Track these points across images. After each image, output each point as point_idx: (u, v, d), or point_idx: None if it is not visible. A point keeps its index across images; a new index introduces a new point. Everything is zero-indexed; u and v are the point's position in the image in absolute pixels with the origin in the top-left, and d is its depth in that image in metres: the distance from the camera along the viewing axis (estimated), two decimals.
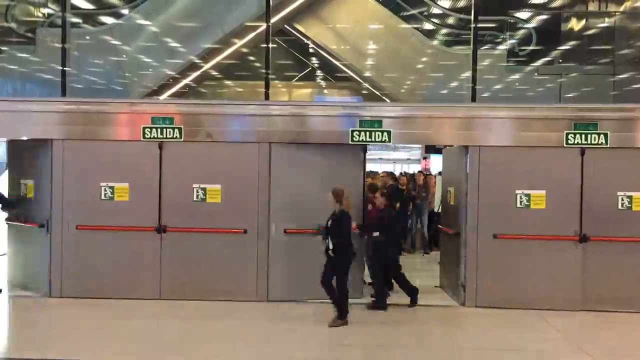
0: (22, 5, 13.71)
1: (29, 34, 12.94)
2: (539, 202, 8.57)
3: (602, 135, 8.46)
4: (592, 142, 8.48)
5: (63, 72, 9.47)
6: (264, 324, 7.65)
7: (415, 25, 15.70)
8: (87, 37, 13.16)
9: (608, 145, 8.47)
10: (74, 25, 11.36)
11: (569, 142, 8.51)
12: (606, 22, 14.04)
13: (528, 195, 8.59)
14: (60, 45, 9.65)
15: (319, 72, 18.34)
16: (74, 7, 11.55)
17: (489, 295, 8.58)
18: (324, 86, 18.88)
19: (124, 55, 13.51)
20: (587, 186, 8.47)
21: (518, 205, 8.59)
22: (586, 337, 7.36)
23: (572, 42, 14.28)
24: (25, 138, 9.16)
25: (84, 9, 13.93)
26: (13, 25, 13.08)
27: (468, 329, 7.65)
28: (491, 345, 6.96)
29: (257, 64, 14.26)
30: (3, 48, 12.60)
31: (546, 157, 8.59)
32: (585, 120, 8.53)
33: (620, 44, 12.94)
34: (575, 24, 14.42)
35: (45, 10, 13.79)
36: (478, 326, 7.83)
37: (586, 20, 14.26)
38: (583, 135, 8.49)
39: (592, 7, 14.98)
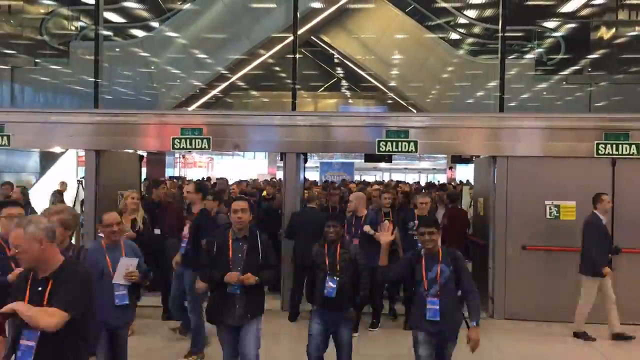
0: (56, 19, 14.08)
1: (62, 47, 13.27)
2: (569, 214, 8.45)
3: (633, 146, 8.33)
4: (624, 152, 8.35)
5: (96, 84, 9.68)
6: None
7: (441, 35, 15.69)
8: (118, 50, 13.45)
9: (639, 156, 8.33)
10: (105, 38, 11.62)
11: (600, 152, 8.39)
12: (636, 31, 13.84)
13: (558, 206, 8.48)
14: (92, 58, 9.88)
15: (344, 82, 18.41)
16: (106, 20, 11.82)
17: (519, 307, 8.48)
18: (349, 96, 18.94)
19: (153, 67, 13.77)
20: (619, 197, 8.32)
21: (547, 216, 8.49)
22: (618, 350, 7.22)
23: (602, 51, 14.09)
24: (57, 150, 9.37)
25: (116, 23, 14.24)
26: (46, 38, 13.43)
27: (498, 341, 7.56)
28: (522, 357, 6.87)
29: (283, 75, 14.38)
30: (37, 60, 12.94)
31: (577, 167, 8.47)
32: (616, 130, 8.41)
33: None
34: (605, 33, 14.24)
35: (78, 24, 14.14)
36: (508, 338, 7.72)
37: (616, 29, 14.07)
38: (614, 146, 8.37)
39: (622, 15, 14.78)
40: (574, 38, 14.29)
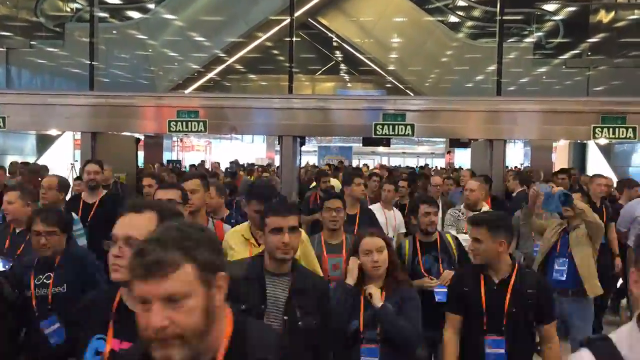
0: (51, 0, 13.96)
1: (58, 29, 13.17)
2: None
3: (630, 129, 8.33)
4: (620, 135, 8.35)
5: (91, 67, 9.63)
6: None
7: (440, 18, 15.57)
8: (114, 32, 13.35)
9: (636, 139, 8.33)
10: (101, 20, 11.53)
11: (597, 135, 8.39)
12: (636, 15, 13.75)
13: None
14: (88, 40, 9.81)
15: (342, 66, 18.33)
16: (101, 1, 11.70)
17: None
18: (347, 80, 18.87)
19: (150, 50, 13.69)
20: None
21: None
22: None
23: (601, 35, 14.01)
24: (54, 132, 9.35)
25: (111, 4, 14.12)
26: (42, 19, 13.32)
27: None
28: None
29: (281, 58, 14.31)
30: (32, 42, 12.85)
31: None
32: (613, 113, 8.40)
33: None
34: (604, 16, 14.14)
35: (74, 5, 14.02)
36: None
37: (615, 12, 13.97)
38: (611, 129, 8.36)
39: None
40: (573, 21, 14.20)
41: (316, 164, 19.41)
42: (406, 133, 8.71)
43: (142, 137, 12.25)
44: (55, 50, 12.63)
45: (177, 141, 21.10)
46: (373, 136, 8.77)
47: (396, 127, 8.63)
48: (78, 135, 11.09)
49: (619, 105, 8.47)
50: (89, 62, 9.69)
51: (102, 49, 10.83)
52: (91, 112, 9.00)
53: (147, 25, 13.69)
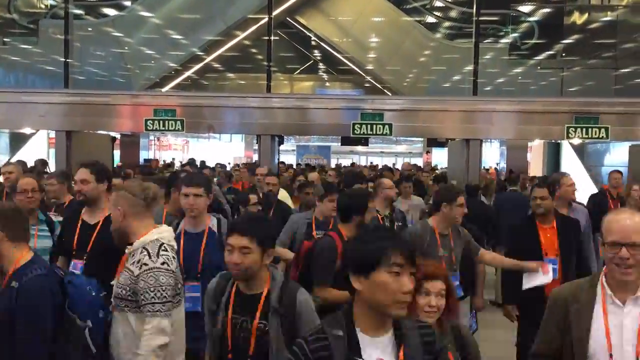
0: None
1: (32, 26, 12.95)
2: None
3: (602, 129, 8.49)
4: (593, 135, 8.50)
5: (66, 64, 9.50)
6: None
7: (418, 18, 15.67)
8: (90, 29, 13.17)
9: (609, 139, 8.50)
10: (76, 17, 11.36)
11: (570, 135, 8.54)
12: (609, 16, 14.01)
13: None
14: (62, 37, 9.68)
15: (320, 65, 18.34)
16: None
17: None
18: (325, 79, 18.88)
19: (126, 47, 13.53)
20: None
21: None
22: None
23: (575, 36, 14.25)
24: (28, 130, 9.21)
25: (87, 1, 13.93)
26: (15, 16, 13.09)
27: None
28: None
29: (259, 56, 14.27)
30: (6, 39, 12.62)
31: None
32: (586, 114, 8.55)
33: (623, 38, 12.91)
34: (578, 18, 14.38)
35: (48, 2, 13.80)
36: None
37: (589, 14, 14.22)
38: (584, 129, 8.51)
39: (595, 0, 14.95)
40: (547, 23, 14.41)
41: (297, 163, 19.40)
42: (384, 132, 8.76)
43: (118, 136, 12.11)
44: (29, 47, 12.42)
45: (154, 140, 20.90)
46: (351, 135, 8.81)
47: (374, 126, 8.68)
48: (53, 134, 10.94)
49: (592, 106, 8.64)
50: (64, 60, 9.56)
51: (77, 47, 10.68)
52: (66, 110, 8.88)
53: (123, 23, 13.53)
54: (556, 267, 4.14)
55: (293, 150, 24.36)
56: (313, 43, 16.62)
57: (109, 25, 13.35)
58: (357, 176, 5.96)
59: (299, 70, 17.79)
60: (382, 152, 32.04)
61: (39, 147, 13.04)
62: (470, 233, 4.21)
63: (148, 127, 8.79)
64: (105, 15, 14.16)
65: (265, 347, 2.36)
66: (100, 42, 12.98)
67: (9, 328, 2.45)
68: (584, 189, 10.44)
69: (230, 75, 16.84)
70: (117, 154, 12.39)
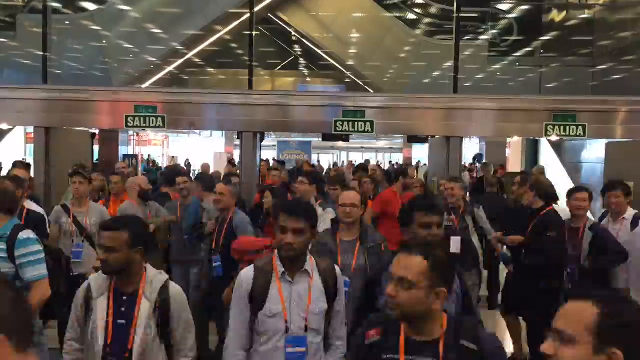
0: None
1: (9, 19, 12.73)
2: None
3: (580, 127, 8.63)
4: (571, 133, 8.64)
5: (44, 59, 9.36)
6: None
7: (398, 15, 15.74)
8: (67, 23, 12.98)
9: (586, 137, 8.65)
10: (54, 11, 11.19)
11: (548, 133, 8.67)
12: (586, 14, 14.21)
13: None
14: (40, 31, 9.53)
15: (302, 61, 18.32)
16: None
17: None
18: (307, 75, 18.87)
19: (105, 42, 13.37)
20: None
21: None
22: None
23: (553, 33, 14.43)
24: (4, 126, 9.07)
25: None
26: None
27: None
28: None
29: (240, 52, 14.21)
30: None
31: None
32: (564, 111, 8.69)
33: (600, 36, 13.11)
34: (556, 15, 14.57)
35: None
36: None
37: (567, 12, 14.41)
38: (562, 127, 8.65)
39: None
40: (526, 20, 14.58)
41: (275, 159, 19.37)
42: (366, 130, 8.80)
43: (97, 132, 11.98)
44: (6, 41, 12.20)
45: (134, 135, 20.71)
46: (333, 132, 8.84)
47: (356, 123, 8.72)
48: (30, 129, 10.78)
49: (570, 104, 8.77)
50: (42, 54, 9.42)
51: (55, 41, 10.53)
52: (45, 106, 8.76)
53: (102, 17, 13.36)
54: None
55: (274, 145, 24.33)
56: (294, 39, 16.60)
57: (88, 19, 13.18)
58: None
59: (280, 66, 17.76)
60: (362, 147, 32.16)
61: (16, 143, 12.84)
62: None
63: (129, 124, 8.72)
64: (84, 9, 13.97)
65: None
66: (79, 37, 12.81)
67: None
68: (562, 185, 10.62)
69: (211, 70, 16.74)
70: (96, 149, 12.25)
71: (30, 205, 4.92)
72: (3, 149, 12.21)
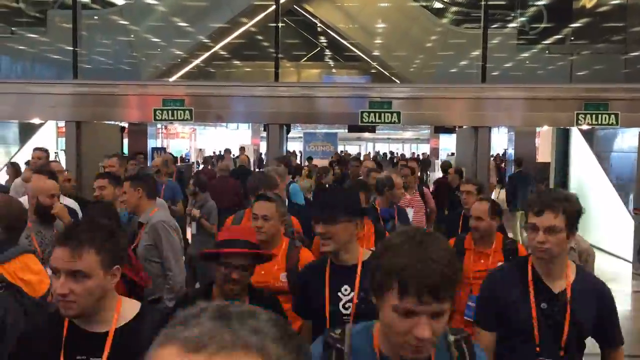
0: None
1: (39, 15, 12.95)
2: None
3: (612, 116, 8.45)
4: (603, 122, 8.47)
5: (74, 54, 9.51)
6: None
7: (425, 4, 15.56)
8: (96, 18, 13.17)
9: (618, 126, 8.47)
10: (84, 6, 11.36)
11: (579, 122, 8.51)
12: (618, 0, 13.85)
13: None
14: (70, 26, 9.68)
15: (327, 52, 18.27)
16: None
17: None
18: (332, 66, 18.83)
19: (133, 36, 13.53)
20: None
21: None
22: None
23: (584, 20, 14.11)
24: (37, 121, 9.26)
25: None
26: (23, 5, 13.09)
27: None
28: None
29: (266, 44, 14.24)
30: (13, 29, 12.62)
31: None
32: (595, 100, 8.51)
33: (633, 22, 12.78)
34: (587, 1, 14.23)
35: None
36: None
37: None
38: (593, 116, 8.48)
39: None
40: (556, 7, 14.27)
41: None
42: (392, 121, 8.76)
43: (126, 125, 12.16)
44: (37, 36, 12.44)
45: (162, 128, 20.96)
46: (360, 124, 8.82)
47: (382, 114, 8.68)
48: (61, 123, 10.99)
49: (602, 92, 8.59)
50: (72, 49, 9.57)
51: (85, 36, 10.69)
52: (75, 101, 8.92)
53: (130, 11, 13.51)
54: None
55: (300, 137, 24.37)
56: (319, 30, 16.56)
57: (117, 14, 13.34)
58: None
59: (305, 58, 17.74)
60: (389, 138, 32.02)
61: (48, 137, 13.11)
62: None
63: (157, 117, 8.83)
64: (113, 4, 14.15)
65: None
66: (108, 31, 12.98)
67: None
68: (593, 175, 10.44)
69: (237, 63, 16.81)
70: (125, 142, 12.44)
71: (64, 200, 4.45)
72: (35, 143, 12.49)
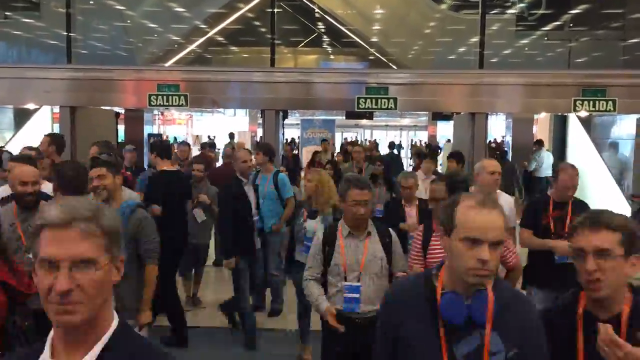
0: None
1: (33, 0, 12.82)
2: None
3: (610, 102, 8.41)
4: (600, 108, 8.43)
5: (68, 38, 9.43)
6: None
7: None
8: (91, 3, 13.03)
9: (616, 112, 8.43)
10: None
11: (577, 108, 8.47)
12: None
13: None
14: (64, 11, 9.59)
15: (325, 38, 18.15)
16: None
17: None
18: (330, 52, 18.71)
19: (129, 21, 13.41)
20: None
21: None
22: None
23: (583, 6, 14.02)
24: (31, 106, 9.19)
25: None
26: None
27: None
28: None
29: (263, 29, 14.13)
30: (7, 13, 12.49)
31: None
32: (593, 86, 8.47)
33: (632, 8, 12.69)
34: None
35: None
36: None
37: None
38: (591, 102, 8.44)
39: None
40: None
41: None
42: (389, 107, 8.71)
43: (122, 111, 12.09)
44: (32, 21, 12.32)
45: (158, 115, 20.85)
46: (356, 110, 8.77)
47: (379, 100, 8.63)
48: (56, 109, 10.91)
49: (600, 78, 8.54)
50: (66, 34, 9.48)
51: (80, 20, 10.59)
52: (70, 85, 8.85)
53: None
54: None
55: (297, 124, 24.28)
56: (317, 15, 16.43)
57: None
58: None
59: (303, 43, 17.62)
60: (387, 125, 31.93)
61: (43, 123, 13.04)
62: None
63: (152, 103, 8.76)
64: None
65: None
66: (103, 16, 12.86)
67: None
68: (591, 163, 10.43)
69: (234, 48, 16.70)
70: (121, 128, 12.37)
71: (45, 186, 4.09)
72: (30, 128, 12.42)
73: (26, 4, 13.00)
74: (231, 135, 17.29)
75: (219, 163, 10.56)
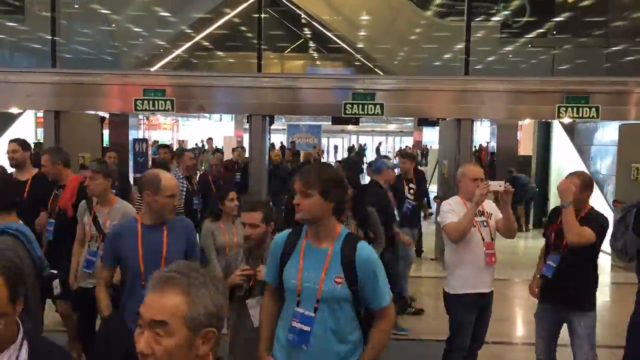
0: None
1: (17, 2, 12.70)
2: None
3: (593, 109, 8.51)
4: (584, 115, 8.53)
5: (53, 42, 9.34)
6: None
7: None
8: (76, 6, 12.94)
9: (599, 119, 8.53)
10: None
11: (561, 115, 8.56)
12: None
13: None
14: (49, 14, 9.50)
15: (311, 44, 18.19)
16: None
17: None
18: (316, 58, 18.75)
19: (114, 25, 13.33)
20: None
21: None
22: None
23: (566, 14, 14.19)
24: (15, 110, 9.08)
25: None
26: None
27: None
28: None
29: (249, 35, 14.12)
30: None
31: None
32: (576, 93, 8.56)
33: (614, 16, 12.87)
34: None
35: None
36: None
37: None
38: (574, 109, 8.53)
39: None
40: (539, 1, 14.33)
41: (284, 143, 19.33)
42: (375, 112, 8.74)
43: (107, 116, 12.00)
44: (16, 25, 12.20)
45: (144, 119, 20.74)
46: (343, 115, 8.79)
47: (366, 106, 8.66)
48: (40, 113, 10.80)
49: (583, 85, 8.64)
50: (51, 38, 9.40)
51: (65, 24, 10.50)
52: (54, 90, 8.76)
53: (111, 0, 13.31)
54: None
55: (284, 129, 24.29)
56: (303, 21, 16.47)
57: (97, 2, 13.13)
58: None
59: (289, 49, 17.64)
60: (373, 130, 32.06)
61: (26, 127, 12.90)
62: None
63: (137, 107, 8.71)
64: None
65: None
66: (88, 20, 12.78)
67: None
68: (574, 168, 10.49)
69: (220, 53, 16.67)
70: (106, 133, 12.29)
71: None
72: (13, 133, 12.27)
73: (10, 7, 12.88)
74: (209, 140, 17.24)
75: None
